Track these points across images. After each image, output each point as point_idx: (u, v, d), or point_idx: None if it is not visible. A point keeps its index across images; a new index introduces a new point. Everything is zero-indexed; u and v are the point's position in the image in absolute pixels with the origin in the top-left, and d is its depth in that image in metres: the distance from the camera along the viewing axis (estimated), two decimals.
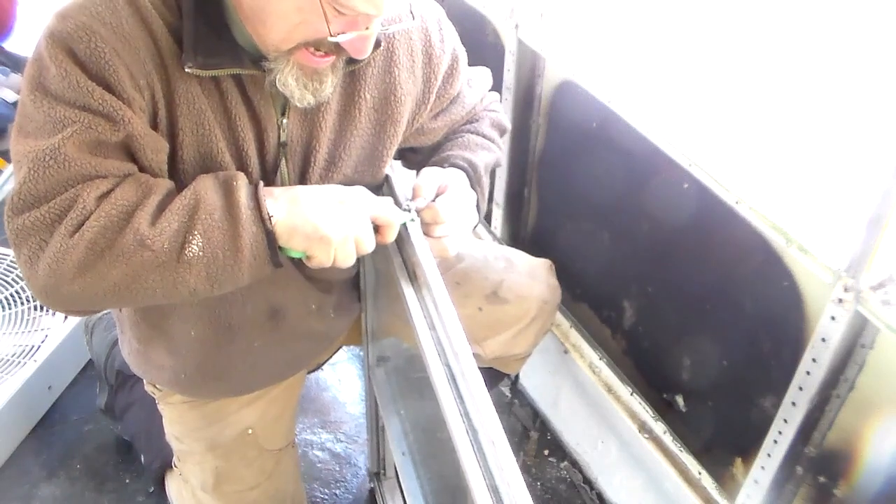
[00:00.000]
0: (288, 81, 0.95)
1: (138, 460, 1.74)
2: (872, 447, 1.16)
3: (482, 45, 1.89)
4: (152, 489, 1.75)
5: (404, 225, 1.06)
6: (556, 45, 1.61)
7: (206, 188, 0.93)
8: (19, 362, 1.85)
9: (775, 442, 1.25)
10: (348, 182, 1.11)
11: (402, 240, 1.07)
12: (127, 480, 1.79)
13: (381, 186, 1.20)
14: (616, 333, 1.74)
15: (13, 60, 2.64)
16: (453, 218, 1.09)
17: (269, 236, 0.93)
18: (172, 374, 1.23)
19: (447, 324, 0.94)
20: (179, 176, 1.00)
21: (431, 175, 1.12)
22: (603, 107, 1.48)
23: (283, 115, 1.03)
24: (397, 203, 1.09)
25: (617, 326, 1.73)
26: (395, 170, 1.21)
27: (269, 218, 0.93)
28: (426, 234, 1.07)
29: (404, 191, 1.13)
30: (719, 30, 1.37)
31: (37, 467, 1.81)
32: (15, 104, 2.43)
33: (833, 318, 1.10)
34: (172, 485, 1.54)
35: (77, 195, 0.89)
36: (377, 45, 1.01)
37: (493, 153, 1.26)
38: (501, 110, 1.35)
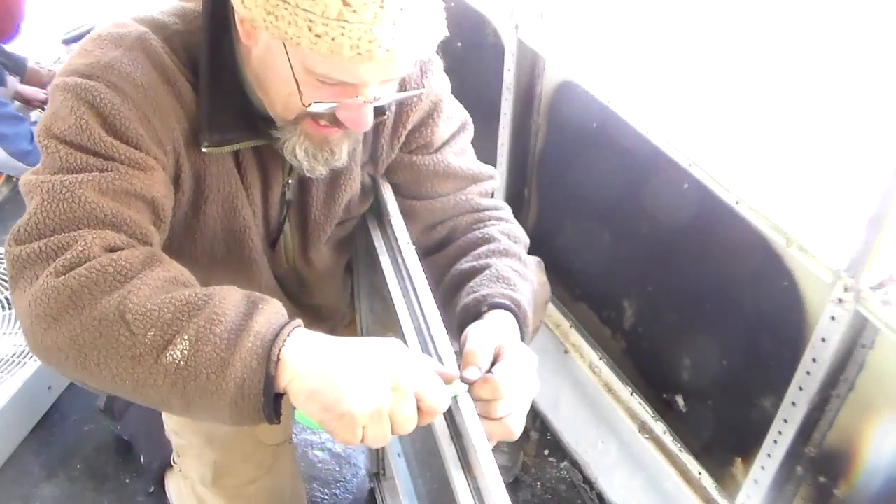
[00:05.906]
0: (296, 152, 0.93)
1: (138, 460, 1.74)
2: (872, 447, 1.16)
3: (482, 45, 1.89)
4: (152, 489, 1.75)
5: (454, 398, 0.84)
6: (556, 45, 1.61)
7: (226, 296, 0.80)
8: (19, 362, 1.85)
9: (775, 442, 1.25)
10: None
11: (452, 415, 0.86)
12: (127, 480, 1.79)
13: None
14: (616, 333, 1.74)
15: (14, 61, 2.63)
16: (517, 390, 0.86)
17: (268, 380, 0.75)
18: None
19: (438, 342, 0.93)
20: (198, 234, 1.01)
21: (483, 337, 0.90)
22: (603, 107, 1.48)
23: (289, 174, 1.04)
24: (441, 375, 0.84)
25: (617, 326, 1.73)
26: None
27: (277, 361, 0.76)
28: (484, 415, 0.85)
29: (449, 354, 0.89)
30: (719, 30, 1.37)
31: (37, 467, 1.81)
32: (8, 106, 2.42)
33: (833, 318, 1.10)
34: (172, 484, 1.54)
35: (79, 237, 0.81)
36: (381, 112, 0.99)
37: (529, 281, 1.07)
38: (510, 215, 1.19)
